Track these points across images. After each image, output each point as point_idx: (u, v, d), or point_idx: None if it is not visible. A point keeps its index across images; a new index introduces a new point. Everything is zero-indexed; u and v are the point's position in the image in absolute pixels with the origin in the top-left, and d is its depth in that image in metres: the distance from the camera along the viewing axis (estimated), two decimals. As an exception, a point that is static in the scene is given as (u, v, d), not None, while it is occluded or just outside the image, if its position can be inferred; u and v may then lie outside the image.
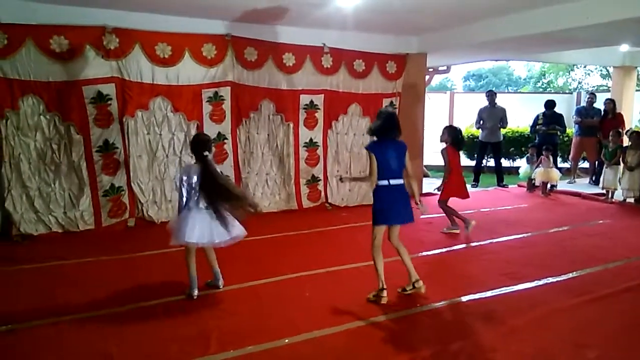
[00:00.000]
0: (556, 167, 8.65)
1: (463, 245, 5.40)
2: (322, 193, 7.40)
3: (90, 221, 5.87)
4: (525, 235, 5.86)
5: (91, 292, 4.01)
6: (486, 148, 9.64)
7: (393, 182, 3.77)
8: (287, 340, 3.20)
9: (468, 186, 6.08)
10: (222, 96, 6.51)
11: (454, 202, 5.99)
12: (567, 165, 10.70)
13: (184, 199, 3.77)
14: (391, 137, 3.80)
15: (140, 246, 5.20)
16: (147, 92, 6.04)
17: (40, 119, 5.60)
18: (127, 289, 4.10)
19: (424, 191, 8.18)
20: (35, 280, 4.31)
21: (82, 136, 5.75)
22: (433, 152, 8.84)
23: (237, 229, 3.92)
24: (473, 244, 5.44)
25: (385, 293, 3.79)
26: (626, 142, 8.25)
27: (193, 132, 6.30)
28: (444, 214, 5.97)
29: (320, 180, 7.36)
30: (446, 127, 6.08)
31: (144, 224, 6.06)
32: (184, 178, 3.77)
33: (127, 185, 6.08)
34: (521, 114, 11.38)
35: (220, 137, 6.58)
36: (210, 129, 6.48)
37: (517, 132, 11.40)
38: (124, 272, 4.53)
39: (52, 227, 5.68)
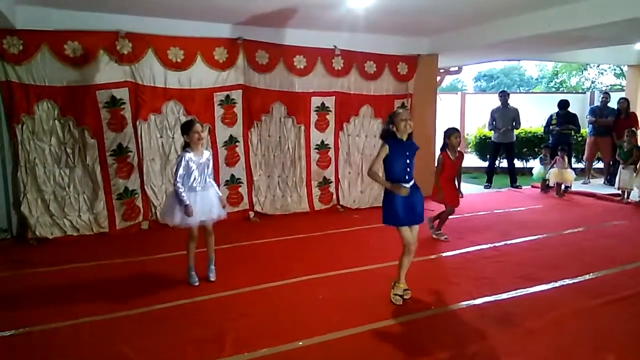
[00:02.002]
0: (570, 167, 8.55)
1: (477, 247, 5.35)
2: (334, 195, 7.39)
3: (105, 224, 5.92)
4: (539, 236, 5.79)
5: (106, 295, 4.05)
6: (499, 149, 9.55)
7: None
8: (301, 343, 3.19)
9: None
10: (233, 99, 6.54)
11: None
12: (581, 165, 10.57)
13: (181, 181, 4.00)
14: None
15: (154, 249, 5.23)
16: (160, 96, 6.09)
17: (55, 124, 5.67)
18: (142, 291, 4.12)
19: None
20: (50, 283, 4.35)
21: (96, 140, 5.81)
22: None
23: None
24: (487, 246, 5.38)
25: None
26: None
27: (205, 134, 6.32)
28: (448, 217, 5.73)
29: (331, 182, 7.36)
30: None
31: (157, 227, 6.09)
32: (186, 162, 4.00)
33: (141, 188, 6.13)
34: (533, 114, 11.29)
35: (232, 139, 6.61)
36: (222, 132, 6.53)
37: (530, 132, 11.30)
38: (138, 274, 4.56)
39: (67, 230, 5.74)
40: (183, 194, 3.97)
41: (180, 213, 4.01)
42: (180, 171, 3.98)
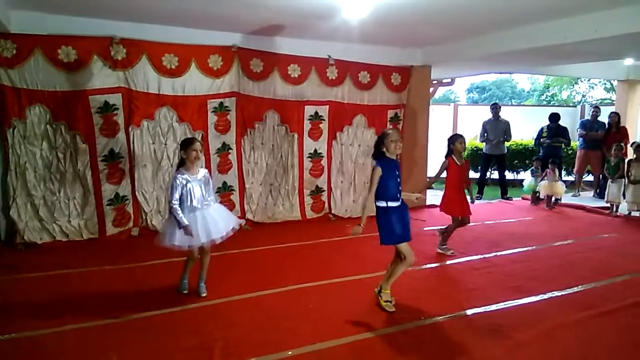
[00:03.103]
0: (561, 180, 8.63)
1: (467, 259, 5.37)
2: (326, 204, 7.40)
3: (94, 230, 5.88)
4: (529, 248, 5.83)
5: (94, 302, 4.01)
6: (490, 161, 9.63)
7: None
8: (290, 353, 3.17)
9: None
10: (227, 107, 6.54)
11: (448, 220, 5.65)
12: (571, 178, 10.67)
13: (177, 203, 3.88)
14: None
15: (144, 256, 5.19)
16: (153, 102, 6.08)
17: (46, 128, 5.64)
18: (131, 298, 4.09)
19: (427, 203, 8.17)
20: (38, 289, 4.30)
21: (87, 145, 5.78)
22: (437, 164, 8.85)
23: (232, 219, 4.21)
24: (477, 257, 5.40)
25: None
26: (630, 155, 8.22)
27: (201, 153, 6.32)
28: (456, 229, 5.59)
29: (324, 191, 7.36)
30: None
31: (147, 233, 6.05)
32: (181, 182, 3.90)
33: (132, 194, 6.10)
34: (525, 126, 11.38)
35: (225, 147, 6.61)
36: (215, 139, 6.52)
37: (521, 144, 11.40)
38: (127, 281, 4.53)
39: (56, 235, 5.70)
40: (180, 215, 3.83)
41: (180, 234, 3.86)
42: (176, 194, 3.85)
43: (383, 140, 3.79)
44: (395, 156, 3.84)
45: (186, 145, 3.97)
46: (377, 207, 3.83)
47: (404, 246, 3.82)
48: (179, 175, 3.92)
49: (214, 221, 3.99)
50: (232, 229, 4.10)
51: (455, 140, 5.35)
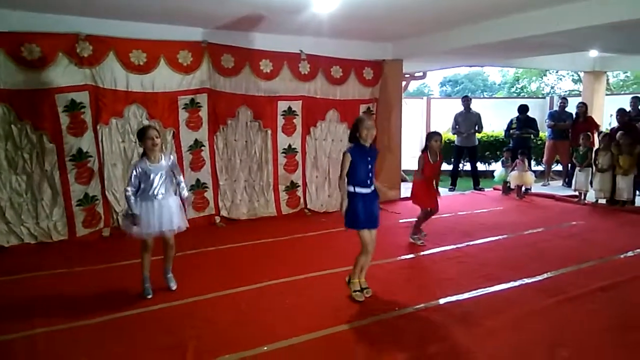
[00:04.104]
0: (530, 170, 8.82)
1: (441, 249, 5.45)
2: (301, 199, 7.40)
3: (64, 231, 5.75)
4: (500, 237, 5.95)
5: (65, 304, 3.93)
6: (462, 152, 9.78)
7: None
8: (265, 348, 3.18)
9: (445, 190, 5.87)
10: (198, 103, 6.47)
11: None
12: (541, 168, 10.92)
13: (131, 191, 3.90)
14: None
15: (116, 256, 5.10)
16: (122, 99, 5.96)
17: (10, 128, 5.47)
18: (102, 299, 4.02)
19: (401, 196, 8.25)
20: (6, 294, 4.19)
21: (54, 145, 5.64)
22: (411, 157, 8.93)
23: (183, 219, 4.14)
24: (450, 247, 5.49)
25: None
26: (597, 144, 8.46)
27: (169, 139, 6.25)
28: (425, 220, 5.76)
29: (299, 186, 7.36)
30: None
31: (119, 234, 5.91)
32: (139, 171, 3.90)
33: (102, 194, 5.99)
34: (496, 118, 11.59)
35: (198, 144, 6.54)
36: (187, 136, 6.45)
37: (492, 136, 11.60)
38: (98, 282, 4.44)
39: (24, 238, 5.56)
40: (132, 202, 3.86)
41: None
42: (132, 180, 3.88)
43: (358, 126, 3.84)
44: (368, 143, 3.86)
45: (141, 135, 3.99)
46: (347, 191, 3.86)
47: (364, 233, 3.87)
48: (138, 164, 3.93)
49: (170, 213, 3.99)
50: (179, 227, 4.08)
51: (431, 137, 5.46)
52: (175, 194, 4.13)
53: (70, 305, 3.90)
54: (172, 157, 4.18)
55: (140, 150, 5.80)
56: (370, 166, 3.86)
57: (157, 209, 3.93)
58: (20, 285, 4.39)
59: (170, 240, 4.10)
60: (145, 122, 6.08)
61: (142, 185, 3.92)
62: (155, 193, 3.94)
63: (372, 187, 3.89)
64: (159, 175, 3.95)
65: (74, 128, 5.74)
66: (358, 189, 3.82)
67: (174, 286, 4.16)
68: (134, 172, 3.90)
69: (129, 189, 3.89)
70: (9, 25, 5.33)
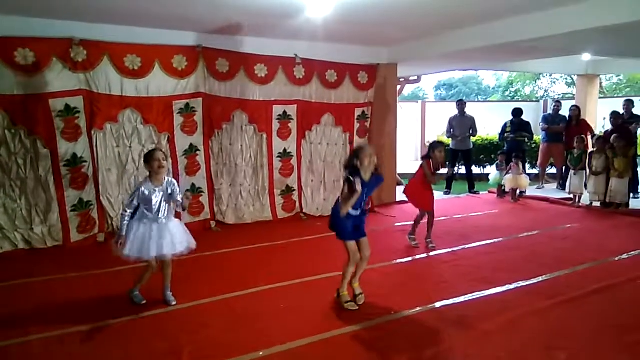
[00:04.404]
0: (525, 173, 8.86)
1: (437, 252, 5.46)
2: (297, 203, 7.39)
3: (59, 237, 5.72)
4: (496, 240, 5.96)
5: (59, 310, 3.91)
6: (457, 156, 9.80)
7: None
8: (261, 353, 3.16)
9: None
10: (193, 107, 6.46)
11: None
12: (535, 171, 10.96)
13: (128, 212, 3.84)
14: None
15: (110, 262, 5.01)
16: (116, 104, 5.94)
17: (4, 134, 5.43)
18: (97, 306, 4.00)
19: (397, 199, 8.26)
20: (0, 300, 4.15)
21: (49, 150, 5.61)
22: (407, 160, 8.95)
23: (189, 239, 4.05)
24: (445, 251, 5.50)
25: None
26: (592, 147, 8.51)
27: (164, 144, 6.24)
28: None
29: (294, 190, 7.36)
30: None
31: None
32: (143, 193, 3.81)
33: (96, 199, 5.96)
34: (490, 122, 11.65)
35: (193, 148, 6.53)
36: (182, 141, 6.43)
37: (487, 139, 11.66)
38: (93, 288, 4.42)
39: (18, 244, 5.51)
40: (124, 225, 3.80)
41: (130, 244, 3.78)
42: (133, 201, 3.82)
43: (358, 155, 3.71)
44: (369, 173, 3.73)
45: (148, 158, 3.90)
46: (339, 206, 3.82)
47: (351, 244, 3.88)
48: (143, 186, 3.84)
49: (171, 236, 3.88)
50: (186, 248, 3.99)
51: (435, 148, 5.52)
52: (175, 216, 4.06)
53: (64, 312, 3.88)
54: (170, 179, 4.03)
55: (133, 152, 5.99)
56: (364, 196, 3.81)
57: (156, 232, 3.82)
58: (14, 292, 4.36)
59: (167, 260, 3.98)
60: (140, 127, 6.10)
61: (142, 207, 3.84)
62: (158, 216, 3.85)
63: (362, 210, 3.90)
64: (161, 196, 3.86)
65: (69, 133, 5.72)
66: (351, 211, 3.81)
67: (173, 302, 4.02)
68: (137, 194, 3.82)
69: (127, 211, 3.82)
70: (2, 30, 5.30)
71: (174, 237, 3.91)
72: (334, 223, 3.93)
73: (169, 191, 3.89)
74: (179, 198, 3.98)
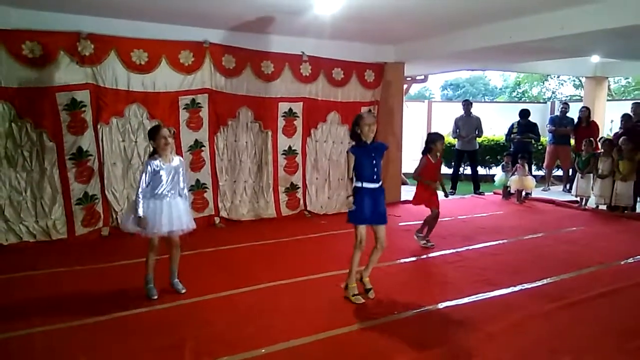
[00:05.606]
0: (531, 174, 8.81)
1: (441, 253, 5.43)
2: (301, 201, 7.38)
3: (63, 230, 5.73)
4: (501, 242, 5.93)
5: (63, 303, 3.91)
6: (462, 156, 9.76)
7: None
8: (263, 350, 3.15)
9: (440, 194, 5.80)
10: (199, 103, 6.45)
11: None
12: (541, 173, 10.90)
13: (143, 190, 3.83)
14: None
15: (114, 256, 5.09)
16: (123, 98, 5.95)
17: (11, 126, 5.45)
18: (101, 299, 4.00)
19: (402, 199, 8.24)
20: (4, 292, 4.17)
21: (54, 143, 5.63)
22: (412, 160, 8.90)
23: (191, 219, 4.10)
24: (450, 251, 5.47)
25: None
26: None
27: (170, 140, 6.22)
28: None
29: (299, 188, 7.34)
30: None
31: (118, 233, 5.90)
32: (152, 168, 3.84)
33: (101, 193, 5.97)
34: (497, 122, 11.58)
35: (198, 144, 6.52)
36: (188, 136, 6.44)
37: (493, 140, 11.59)
38: (97, 282, 4.42)
39: (23, 236, 5.53)
40: (141, 204, 3.78)
41: (133, 221, 3.83)
42: (145, 178, 3.81)
43: (358, 122, 3.84)
44: (370, 139, 3.85)
45: (153, 133, 3.94)
46: (354, 186, 3.88)
47: (361, 228, 3.88)
48: (152, 161, 3.86)
49: (179, 213, 3.94)
50: (188, 227, 4.02)
51: (436, 140, 5.46)
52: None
53: (68, 305, 3.88)
54: (182, 159, 4.10)
55: (138, 147, 6.00)
56: (375, 162, 3.85)
57: (166, 209, 3.87)
58: (19, 284, 4.37)
59: (176, 239, 4.03)
60: (146, 122, 6.10)
61: (151, 184, 3.86)
62: (165, 192, 3.89)
63: (380, 183, 3.90)
64: (169, 174, 3.90)
65: (74, 127, 5.73)
66: (366, 184, 3.84)
67: (182, 290, 4.07)
68: (147, 169, 3.83)
69: (141, 190, 3.80)
70: (10, 23, 5.32)
71: (182, 214, 3.95)
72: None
73: (178, 171, 3.96)
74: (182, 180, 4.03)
